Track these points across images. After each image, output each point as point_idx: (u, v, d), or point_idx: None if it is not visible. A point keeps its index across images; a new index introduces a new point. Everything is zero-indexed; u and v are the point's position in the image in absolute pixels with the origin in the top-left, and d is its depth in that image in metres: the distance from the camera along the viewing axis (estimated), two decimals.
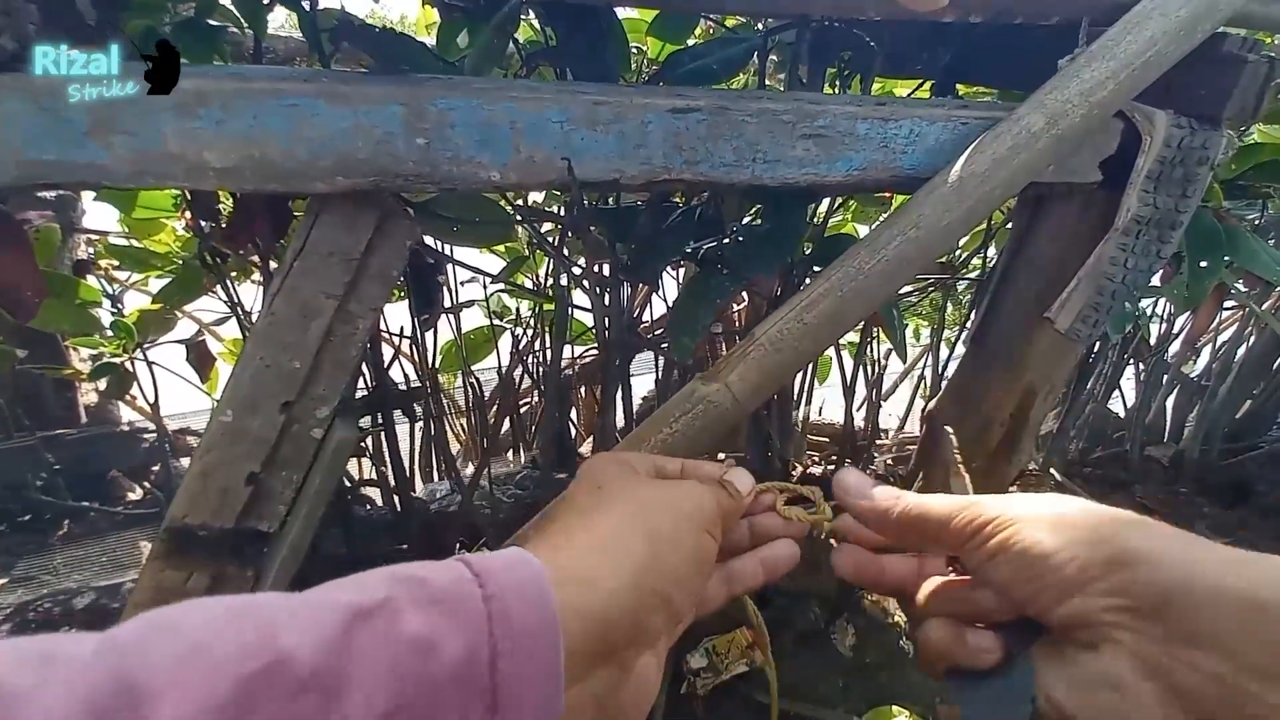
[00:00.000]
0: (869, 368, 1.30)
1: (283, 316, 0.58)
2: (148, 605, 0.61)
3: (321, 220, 0.57)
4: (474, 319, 1.65)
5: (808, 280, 0.85)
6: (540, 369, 1.51)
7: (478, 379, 1.54)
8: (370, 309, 0.62)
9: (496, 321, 1.61)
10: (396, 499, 1.12)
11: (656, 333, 1.44)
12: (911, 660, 0.87)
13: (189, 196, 0.68)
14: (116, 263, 0.98)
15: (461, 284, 1.32)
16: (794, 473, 1.22)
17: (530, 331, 1.47)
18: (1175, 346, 1.67)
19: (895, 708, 0.84)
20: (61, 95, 0.46)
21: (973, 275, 1.29)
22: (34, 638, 0.22)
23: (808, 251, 0.81)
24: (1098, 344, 1.31)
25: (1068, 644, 0.28)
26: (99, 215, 1.34)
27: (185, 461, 1.41)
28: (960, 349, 1.85)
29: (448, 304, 1.32)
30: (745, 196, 0.76)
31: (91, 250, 1.12)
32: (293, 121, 0.48)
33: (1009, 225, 1.29)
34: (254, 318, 1.10)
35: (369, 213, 0.59)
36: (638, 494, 0.33)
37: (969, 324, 0.91)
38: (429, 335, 1.17)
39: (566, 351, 1.32)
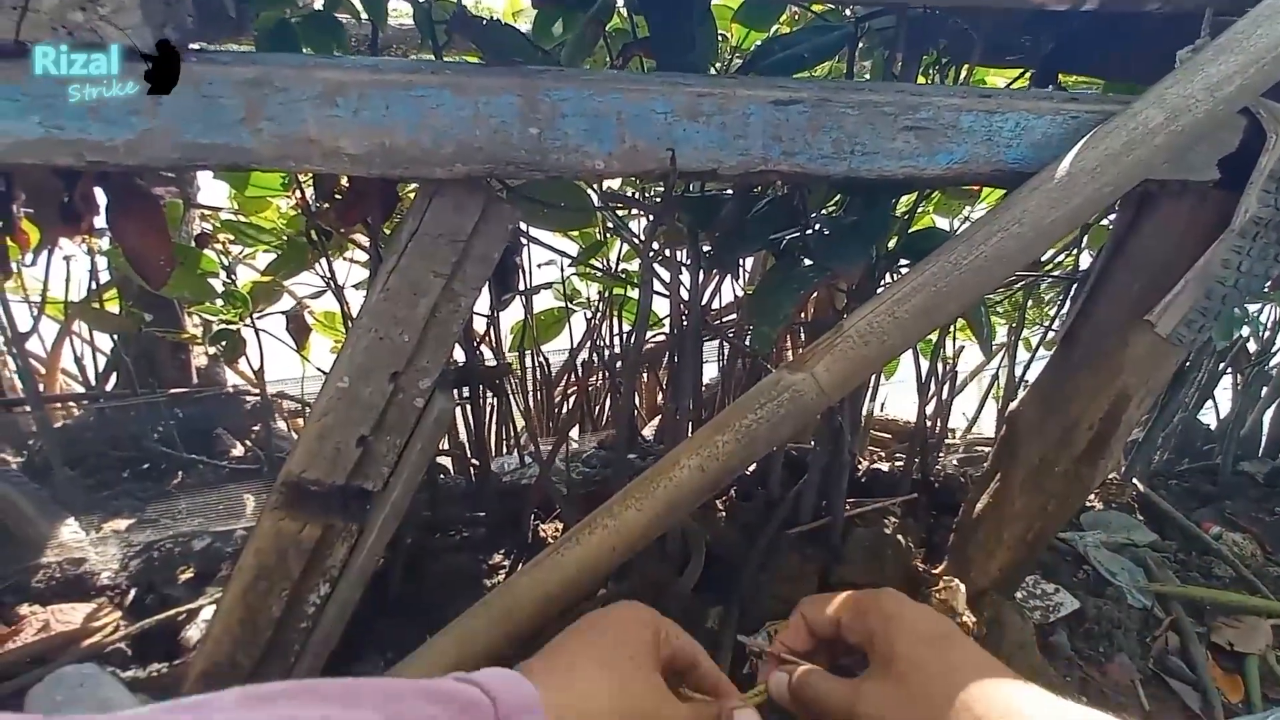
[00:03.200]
0: (941, 365, 1.27)
1: (396, 292, 0.62)
2: (268, 550, 0.67)
3: (435, 204, 0.60)
4: (544, 302, 1.70)
5: (889, 275, 0.84)
6: (607, 351, 1.55)
7: (546, 359, 1.59)
8: (472, 288, 0.66)
9: (567, 304, 1.66)
10: (473, 470, 1.18)
11: (724, 320, 1.45)
12: None
13: (312, 178, 0.73)
14: (231, 237, 1.07)
15: (538, 266, 1.37)
16: (860, 466, 1.22)
17: (600, 315, 1.50)
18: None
19: None
20: (218, 83, 0.50)
21: (1060, 274, 1.24)
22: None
23: (892, 245, 0.80)
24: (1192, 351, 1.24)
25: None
26: (211, 192, 1.45)
27: (282, 424, 1.52)
28: (1041, 350, 1.78)
29: (523, 286, 1.36)
30: (835, 188, 0.76)
31: (207, 225, 1.22)
32: (420, 111, 0.52)
33: (1103, 223, 1.23)
34: (346, 292, 1.17)
35: (476, 197, 0.62)
36: (641, 704, 0.40)
37: (1058, 323, 0.88)
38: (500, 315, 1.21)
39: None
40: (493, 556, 0.98)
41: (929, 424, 1.25)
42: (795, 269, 0.75)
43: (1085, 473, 0.85)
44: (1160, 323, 0.72)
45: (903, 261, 0.75)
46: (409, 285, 0.63)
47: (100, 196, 0.76)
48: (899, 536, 0.96)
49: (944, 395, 1.26)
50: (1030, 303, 1.60)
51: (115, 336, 1.31)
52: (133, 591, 0.89)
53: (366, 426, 0.66)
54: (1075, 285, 0.93)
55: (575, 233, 1.39)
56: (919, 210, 1.08)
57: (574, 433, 1.61)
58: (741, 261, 1.28)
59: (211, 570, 0.93)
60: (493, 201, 0.64)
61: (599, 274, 1.28)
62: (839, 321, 0.59)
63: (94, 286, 1.23)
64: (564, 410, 1.68)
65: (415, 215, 0.61)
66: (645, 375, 1.78)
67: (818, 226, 0.74)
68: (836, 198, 0.92)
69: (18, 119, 0.48)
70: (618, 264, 1.30)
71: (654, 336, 1.77)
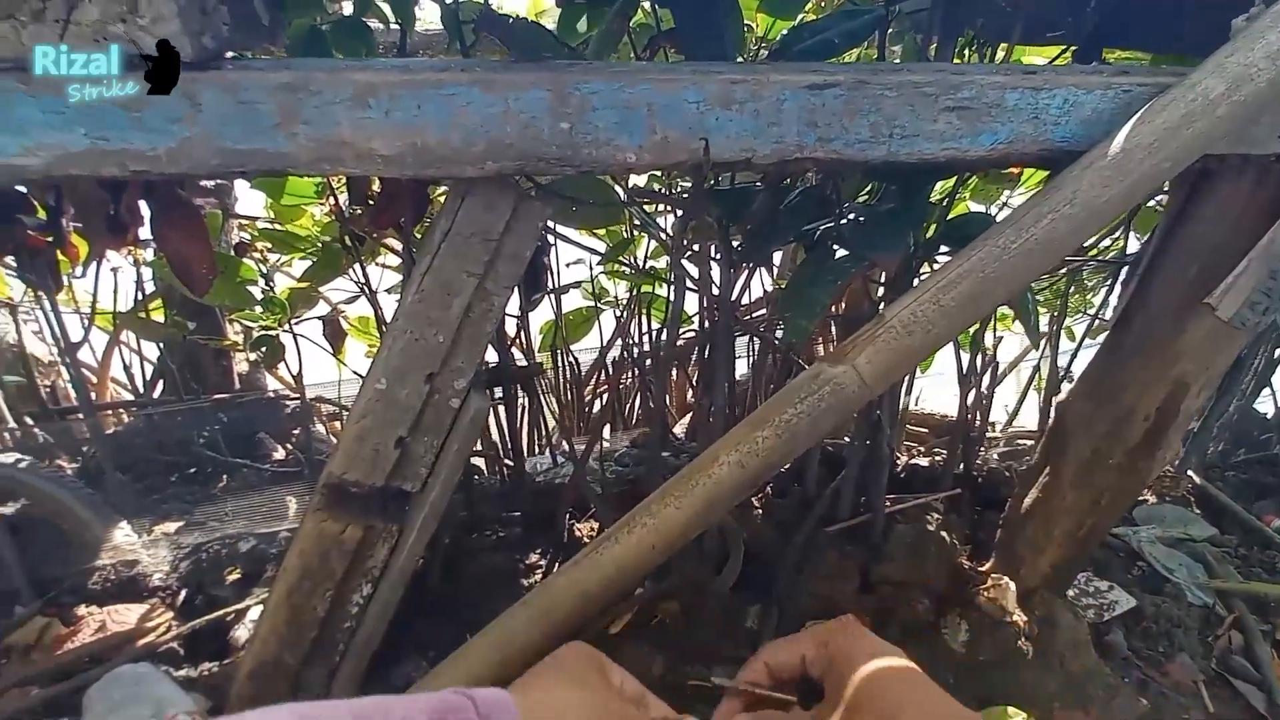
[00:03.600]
0: (980, 357, 1.23)
1: (430, 293, 0.63)
2: (312, 552, 0.68)
3: (467, 203, 0.60)
4: (571, 301, 1.70)
5: (928, 265, 0.82)
6: (637, 350, 1.54)
7: (576, 359, 1.59)
8: (504, 287, 0.66)
9: (594, 303, 1.65)
10: (506, 470, 1.18)
11: (754, 315, 1.43)
12: (1029, 661, 0.84)
13: (345, 183, 0.74)
14: (269, 245, 1.09)
15: (567, 265, 1.37)
16: (898, 462, 1.19)
17: (629, 313, 1.50)
18: None
19: (1010, 709, 0.81)
20: (253, 89, 0.51)
21: (1107, 259, 1.19)
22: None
23: (930, 233, 0.78)
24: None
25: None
26: (248, 203, 1.48)
27: (320, 427, 1.55)
28: (1086, 339, 1.72)
29: (552, 286, 1.36)
30: (869, 175, 0.74)
31: (245, 235, 1.25)
32: (450, 110, 0.52)
33: (1150, 204, 1.18)
34: (379, 297, 1.18)
35: (507, 196, 0.62)
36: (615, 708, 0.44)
37: (1108, 311, 0.84)
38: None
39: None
40: (529, 556, 0.98)
41: (970, 417, 1.21)
42: (830, 260, 0.74)
43: (1141, 465, 0.81)
44: (1221, 306, 0.69)
45: (942, 249, 0.73)
46: (442, 285, 0.63)
47: (144, 209, 0.78)
48: (943, 533, 0.93)
49: (985, 387, 1.22)
50: (1073, 290, 1.54)
51: (161, 345, 1.35)
52: (183, 592, 0.91)
53: (404, 428, 0.66)
54: (1126, 270, 0.89)
55: (602, 231, 1.39)
56: (956, 196, 1.05)
57: (604, 431, 1.61)
58: (771, 255, 1.25)
59: (257, 571, 0.95)
60: (523, 199, 0.63)
61: (627, 271, 1.27)
62: (879, 312, 0.58)
63: (140, 297, 1.28)
64: (594, 409, 1.68)
65: (448, 215, 0.61)
66: (675, 373, 1.77)
67: (852, 216, 0.72)
68: (870, 187, 0.90)
69: (64, 131, 0.49)
70: (645, 261, 1.29)
71: (684, 333, 1.76)
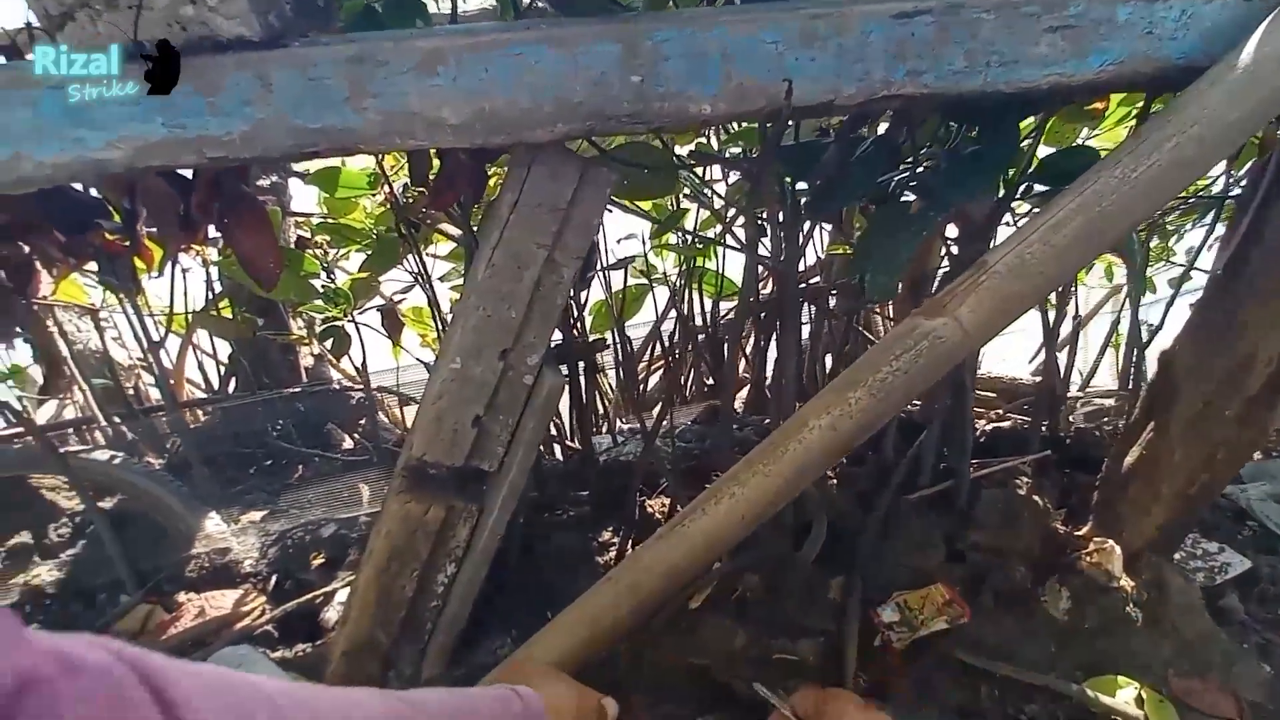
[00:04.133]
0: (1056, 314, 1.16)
1: (501, 267, 0.61)
2: (398, 533, 0.69)
3: (533, 172, 0.59)
4: (620, 280, 1.68)
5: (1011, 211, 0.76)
6: (688, 325, 1.52)
7: (629, 337, 1.57)
8: (573, 258, 0.64)
9: (644, 279, 1.63)
10: (566, 450, 1.18)
11: (811, 281, 1.38)
12: (1139, 628, 0.79)
13: (407, 162, 0.73)
14: (328, 238, 1.10)
15: (617, 242, 1.35)
16: (976, 426, 1.13)
17: (682, 288, 1.47)
18: None
19: (1121, 678, 0.76)
20: (322, 64, 0.50)
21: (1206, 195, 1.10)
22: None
23: (1013, 176, 0.73)
24: None
25: None
26: (300, 200, 1.51)
27: (384, 417, 1.59)
28: (1167, 290, 1.61)
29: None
30: (953, 115, 0.69)
31: (301, 232, 1.27)
32: (518, 70, 0.50)
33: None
34: (434, 285, 1.19)
35: (572, 163, 0.60)
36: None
37: (1220, 251, 0.77)
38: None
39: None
40: (601, 534, 0.97)
41: (1035, 380, 1.14)
42: (908, 212, 0.69)
43: (1261, 416, 0.75)
44: None
45: (1036, 190, 0.67)
46: (513, 259, 0.61)
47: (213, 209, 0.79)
48: (1035, 497, 0.88)
49: (1069, 346, 1.15)
50: (1155, 237, 1.44)
51: (232, 343, 1.39)
52: (273, 578, 0.94)
53: (480, 406, 0.66)
54: (1235, 208, 0.82)
55: (648, 207, 1.36)
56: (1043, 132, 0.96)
57: (658, 409, 1.59)
58: (840, 212, 1.19)
59: (340, 556, 0.98)
60: (589, 166, 0.61)
61: (680, 241, 1.24)
62: (981, 258, 0.54)
63: (210, 297, 1.32)
64: (647, 386, 1.66)
65: (513, 187, 0.59)
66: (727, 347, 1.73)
67: (935, 161, 0.68)
68: (941, 134, 0.85)
69: (143, 122, 0.49)
70: (694, 234, 1.25)
71: (732, 308, 1.72)
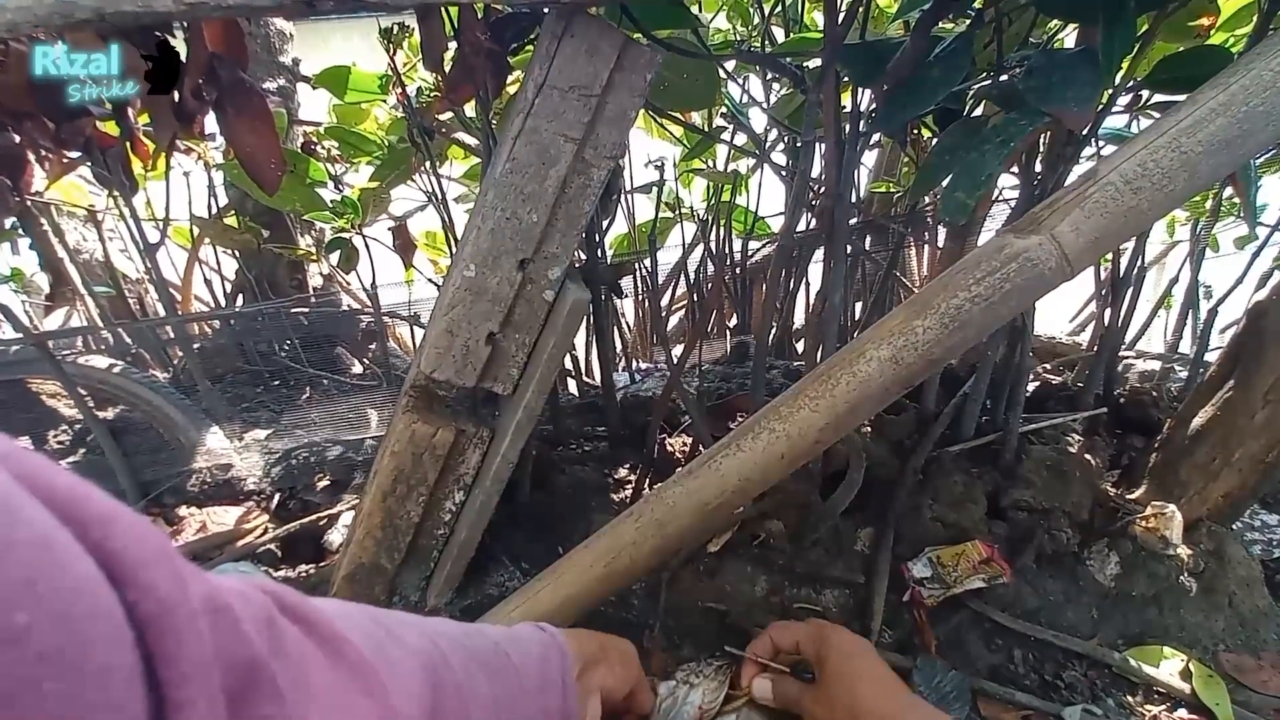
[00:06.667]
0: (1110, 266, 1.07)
1: (522, 162, 0.54)
2: (404, 453, 0.63)
3: (564, 47, 0.50)
4: (644, 211, 1.59)
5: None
6: (718, 258, 1.43)
7: (652, 270, 1.50)
8: (605, 157, 0.56)
9: (670, 214, 1.54)
10: (582, 385, 1.13)
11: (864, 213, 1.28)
12: (1192, 598, 0.73)
13: (420, 44, 0.64)
14: (335, 143, 1.02)
15: (644, 165, 1.25)
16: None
17: (711, 219, 1.38)
18: None
19: (1166, 648, 0.71)
20: None
21: None
22: (374, 614, 0.34)
23: (1136, 78, 0.62)
24: None
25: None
26: (310, 108, 1.42)
27: (393, 343, 1.54)
28: (1231, 249, 1.49)
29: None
30: (1052, 8, 0.59)
31: (309, 139, 1.19)
32: None
33: None
34: (449, 206, 1.11)
35: (611, 38, 0.52)
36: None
37: None
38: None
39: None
40: (617, 471, 0.93)
41: (1077, 340, 1.06)
42: (990, 122, 0.60)
43: None
44: None
45: (1156, 98, 0.58)
46: (537, 152, 0.54)
47: (209, 100, 0.72)
48: (1087, 455, 0.82)
49: (1129, 302, 1.06)
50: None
51: (238, 256, 1.34)
52: (276, 496, 0.91)
53: (495, 321, 0.59)
54: None
55: (680, 133, 1.25)
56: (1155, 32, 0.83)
57: (678, 350, 1.53)
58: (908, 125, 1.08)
59: (346, 478, 0.94)
60: (629, 45, 0.53)
61: (711, 167, 1.15)
62: (1088, 169, 0.45)
63: (212, 203, 1.25)
64: (668, 325, 1.59)
65: (541, 62, 0.51)
66: (763, 287, 1.65)
67: (1027, 62, 0.58)
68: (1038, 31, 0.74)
69: None
70: (734, 146, 1.15)
71: (764, 243, 1.63)
